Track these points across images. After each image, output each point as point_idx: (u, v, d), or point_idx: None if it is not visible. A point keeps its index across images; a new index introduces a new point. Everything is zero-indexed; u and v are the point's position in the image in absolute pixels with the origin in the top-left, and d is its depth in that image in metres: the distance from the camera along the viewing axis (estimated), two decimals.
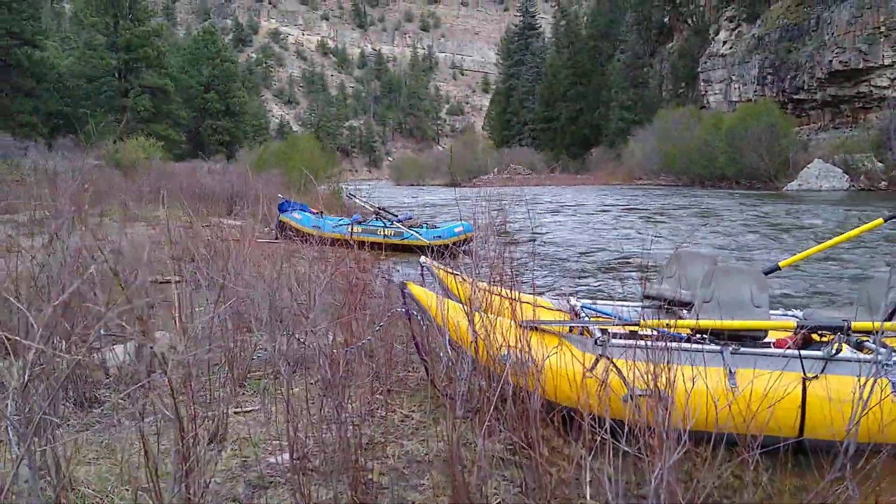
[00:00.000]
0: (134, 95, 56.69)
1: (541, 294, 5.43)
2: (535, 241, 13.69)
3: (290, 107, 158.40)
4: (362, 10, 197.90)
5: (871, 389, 2.41)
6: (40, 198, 12.23)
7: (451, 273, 4.73)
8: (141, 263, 5.02)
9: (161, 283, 5.26)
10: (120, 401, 3.57)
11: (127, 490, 2.65)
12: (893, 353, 3.79)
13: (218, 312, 3.77)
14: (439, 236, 12.20)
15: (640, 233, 17.06)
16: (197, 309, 4.21)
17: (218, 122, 67.39)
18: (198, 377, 3.31)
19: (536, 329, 3.84)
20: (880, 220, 5.31)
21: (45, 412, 2.20)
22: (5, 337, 2.28)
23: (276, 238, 11.30)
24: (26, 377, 2.01)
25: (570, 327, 4.06)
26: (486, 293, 4.05)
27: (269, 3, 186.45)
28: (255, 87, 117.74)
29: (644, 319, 3.11)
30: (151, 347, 3.24)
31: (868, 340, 3.83)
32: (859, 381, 2.49)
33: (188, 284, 4.75)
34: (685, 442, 2.25)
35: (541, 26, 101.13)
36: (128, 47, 55.87)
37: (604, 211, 24.58)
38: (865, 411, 2.38)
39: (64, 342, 3.14)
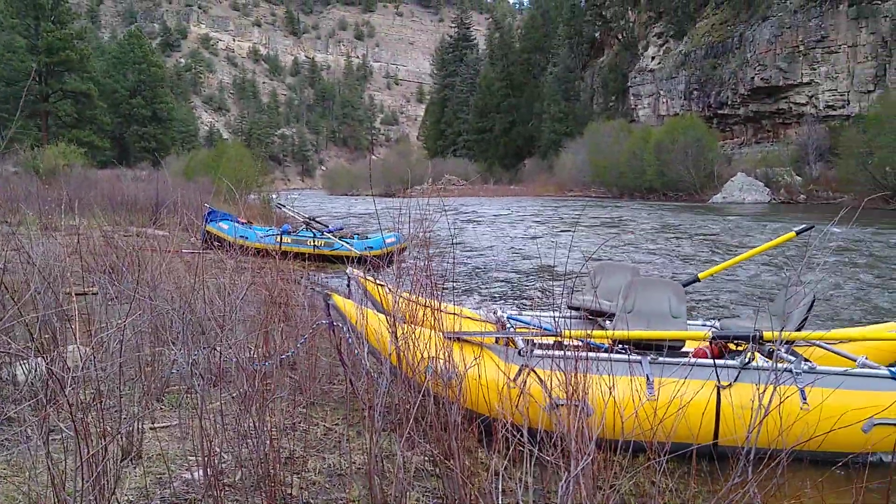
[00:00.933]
0: (55, 100, 54.93)
1: (466, 305, 5.47)
2: (459, 251, 13.78)
3: (220, 114, 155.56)
4: (296, 17, 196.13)
5: (771, 397, 2.51)
6: None
7: (378, 284, 4.73)
8: (54, 275, 4.86)
9: (77, 294, 5.10)
10: (29, 416, 3.44)
11: None
12: (803, 362, 3.95)
13: (131, 324, 3.68)
14: (370, 247, 12.13)
15: (564, 244, 17.34)
16: (113, 322, 4.09)
17: (144, 129, 65.82)
18: (111, 392, 3.21)
19: (459, 340, 3.86)
20: (792, 233, 5.55)
21: None
22: None
23: (202, 248, 11.08)
24: None
25: (496, 338, 4.11)
26: (411, 304, 4.06)
27: (199, 8, 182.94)
28: (183, 93, 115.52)
29: (567, 329, 3.16)
30: (60, 361, 3.14)
31: (780, 350, 3.98)
32: (758, 388, 2.58)
33: (104, 297, 4.62)
34: (593, 450, 2.29)
35: (475, 38, 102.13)
36: (49, 50, 53.99)
37: (536, 222, 24.91)
38: (765, 416, 2.48)
39: None
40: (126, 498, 2.74)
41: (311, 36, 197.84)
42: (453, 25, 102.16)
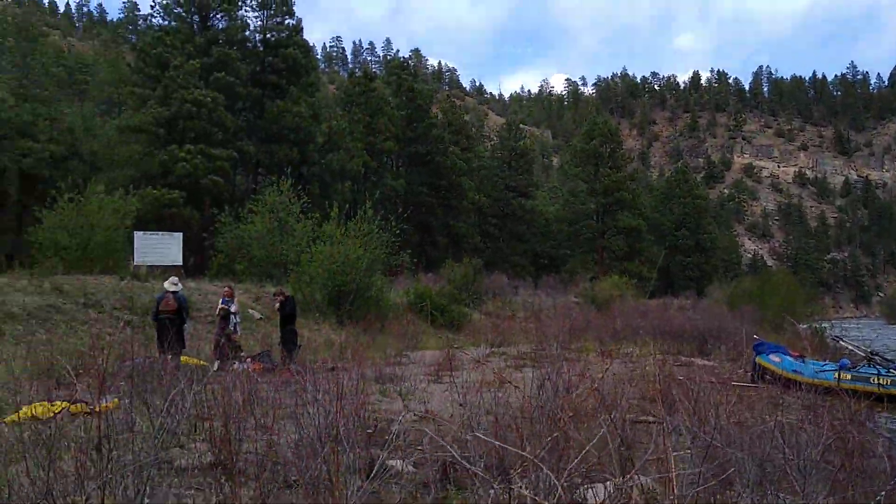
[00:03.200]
0: (610, 236, 60.85)
1: None
2: None
3: (764, 241, 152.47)
4: (846, 136, 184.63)
5: None
6: (528, 332, 13.58)
7: None
8: (618, 402, 5.16)
9: (636, 422, 5.32)
10: None
11: None
12: None
13: (692, 459, 3.64)
14: None
15: None
16: (673, 454, 4.13)
17: (688, 259, 68.00)
18: None
19: None
20: None
21: None
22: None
23: (753, 381, 10.68)
24: None
25: None
26: None
27: (744, 140, 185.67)
28: (726, 223, 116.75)
29: None
30: (632, 488, 3.25)
31: None
32: None
33: (665, 427, 4.70)
34: None
35: None
36: (605, 192, 60.57)
37: None
38: None
39: (551, 476, 3.32)
40: None
41: (864, 154, 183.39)
42: None
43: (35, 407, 4.87)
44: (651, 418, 6.00)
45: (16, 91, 40.12)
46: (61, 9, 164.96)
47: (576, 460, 3.61)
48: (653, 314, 21.33)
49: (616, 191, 60.64)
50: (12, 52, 43.01)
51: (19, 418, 4.94)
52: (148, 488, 2.97)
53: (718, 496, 3.97)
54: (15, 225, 39.70)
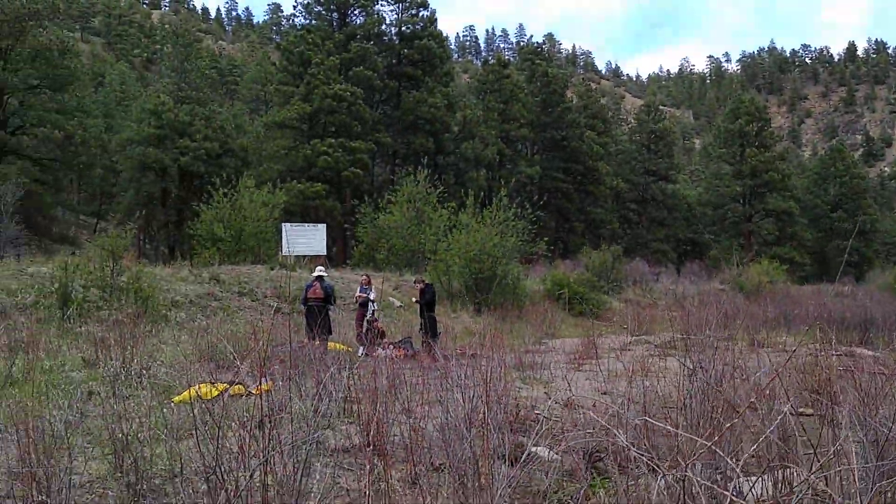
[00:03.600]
0: (758, 219, 57.97)
1: None
2: None
3: None
4: None
5: None
6: (671, 320, 13.15)
7: None
8: (776, 392, 4.89)
9: (796, 414, 5.03)
10: None
11: None
12: None
13: (872, 462, 3.39)
14: None
15: None
16: (839, 448, 3.87)
17: (845, 242, 63.62)
18: None
19: None
20: None
21: None
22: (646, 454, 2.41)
23: None
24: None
25: None
26: None
27: None
28: (887, 203, 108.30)
29: None
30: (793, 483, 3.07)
31: None
32: None
33: (820, 418, 4.43)
34: None
35: None
36: (752, 174, 57.66)
37: None
38: None
39: (704, 468, 3.20)
40: None
41: None
42: None
43: (200, 387, 5.21)
44: (809, 411, 5.68)
45: (174, 94, 43.05)
46: (213, 14, 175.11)
47: (747, 451, 3.46)
48: (807, 301, 20.17)
49: (764, 172, 57.54)
50: (171, 58, 46.20)
51: (189, 397, 5.30)
52: (305, 467, 3.10)
53: (891, 494, 3.70)
54: (176, 219, 42.69)
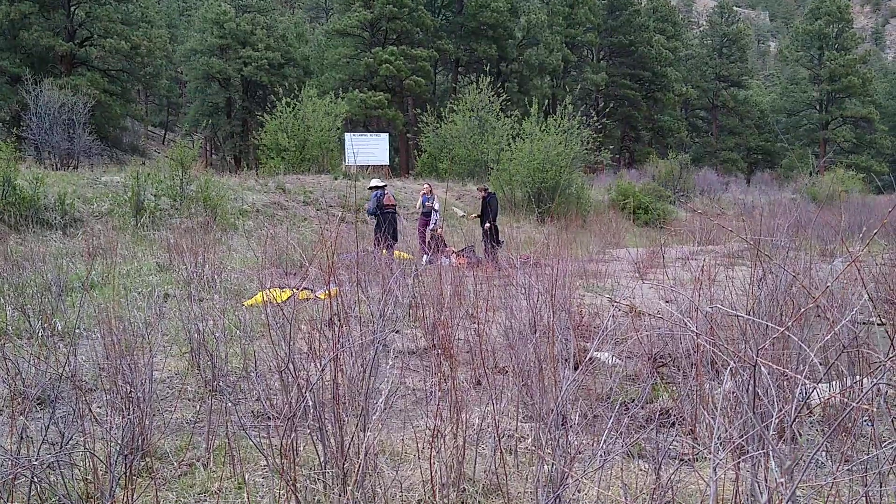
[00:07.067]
0: (834, 127, 55.41)
1: None
2: None
3: None
4: None
5: None
6: (739, 231, 12.85)
7: None
8: (848, 302, 4.78)
9: (867, 323, 4.93)
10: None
11: None
12: None
13: None
14: None
15: None
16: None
17: None
18: None
19: None
20: None
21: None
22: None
23: None
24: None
25: None
26: None
27: None
28: None
29: None
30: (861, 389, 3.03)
31: None
32: None
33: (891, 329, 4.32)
34: None
35: None
36: (831, 78, 54.76)
37: None
38: None
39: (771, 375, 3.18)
40: None
41: None
42: None
43: (272, 291, 5.38)
44: (879, 320, 5.55)
45: (235, 2, 42.81)
46: None
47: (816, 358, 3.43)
48: (882, 211, 19.43)
49: (843, 76, 54.55)
50: None
51: (261, 301, 5.49)
52: (374, 366, 3.20)
53: None
54: (241, 129, 43.21)
